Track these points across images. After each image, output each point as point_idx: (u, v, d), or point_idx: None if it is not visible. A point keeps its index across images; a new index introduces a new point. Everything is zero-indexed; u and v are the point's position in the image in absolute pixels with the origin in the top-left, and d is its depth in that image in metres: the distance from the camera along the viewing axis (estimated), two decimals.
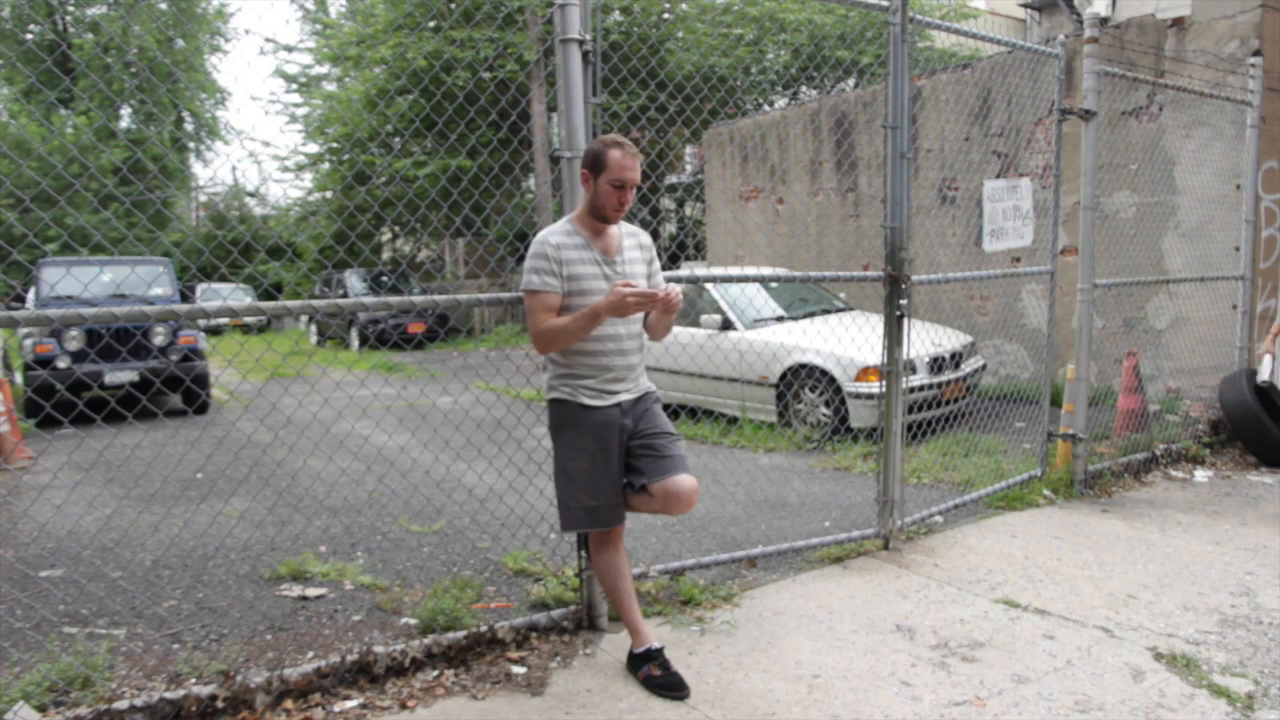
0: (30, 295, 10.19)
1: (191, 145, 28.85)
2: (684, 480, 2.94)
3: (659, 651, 3.02)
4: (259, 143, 56.13)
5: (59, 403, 7.72)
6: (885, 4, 4.16)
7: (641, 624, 3.08)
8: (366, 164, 18.25)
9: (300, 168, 21.95)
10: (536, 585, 3.80)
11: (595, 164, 2.88)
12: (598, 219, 2.95)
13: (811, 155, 11.07)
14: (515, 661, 3.15)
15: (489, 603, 3.73)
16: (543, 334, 2.87)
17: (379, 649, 3.03)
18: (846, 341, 6.49)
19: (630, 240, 3.07)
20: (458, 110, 12.55)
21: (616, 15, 16.98)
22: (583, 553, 3.39)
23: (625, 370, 3.00)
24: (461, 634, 3.19)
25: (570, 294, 2.90)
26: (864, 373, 6.72)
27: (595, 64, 3.30)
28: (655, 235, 16.97)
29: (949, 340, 7.36)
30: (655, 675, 2.95)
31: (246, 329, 19.72)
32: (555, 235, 2.94)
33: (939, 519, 4.75)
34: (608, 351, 2.96)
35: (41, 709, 2.72)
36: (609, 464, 2.97)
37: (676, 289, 2.82)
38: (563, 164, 3.29)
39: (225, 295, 20.53)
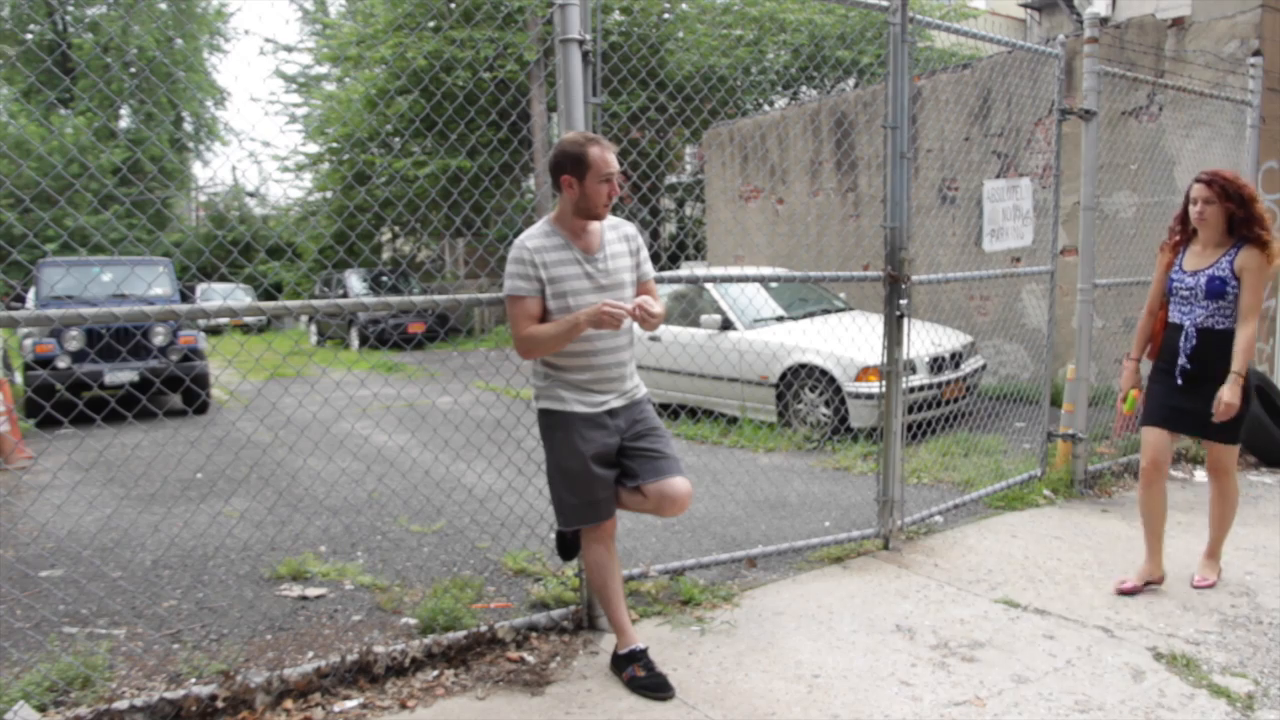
0: (30, 295, 10.19)
1: (191, 145, 28.85)
2: (678, 483, 2.94)
3: (643, 652, 3.01)
4: (259, 143, 56.21)
5: (59, 403, 7.71)
6: (885, 4, 4.16)
7: (627, 624, 3.07)
8: (366, 164, 18.23)
9: (300, 168, 21.94)
10: (536, 585, 3.80)
11: (579, 165, 2.83)
12: (586, 218, 2.92)
13: (811, 155, 11.06)
14: (515, 661, 3.15)
15: (489, 603, 3.73)
16: (523, 340, 2.86)
17: (379, 649, 3.04)
18: (846, 341, 6.49)
19: (612, 233, 3.02)
20: (458, 110, 12.58)
21: (616, 15, 16.96)
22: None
23: (617, 368, 3.00)
24: (461, 634, 3.19)
25: (553, 296, 2.88)
26: (864, 373, 6.72)
27: (595, 64, 3.31)
28: (655, 235, 16.95)
29: (949, 340, 7.36)
30: (640, 676, 2.95)
31: (246, 329, 19.70)
32: (534, 238, 2.91)
33: (939, 519, 4.76)
34: (598, 351, 2.94)
35: (41, 709, 2.72)
36: (602, 463, 2.96)
37: (655, 305, 2.80)
38: None
39: (225, 295, 20.52)
